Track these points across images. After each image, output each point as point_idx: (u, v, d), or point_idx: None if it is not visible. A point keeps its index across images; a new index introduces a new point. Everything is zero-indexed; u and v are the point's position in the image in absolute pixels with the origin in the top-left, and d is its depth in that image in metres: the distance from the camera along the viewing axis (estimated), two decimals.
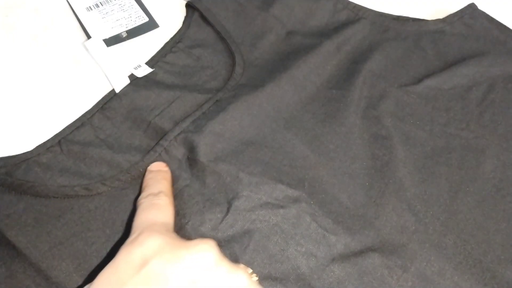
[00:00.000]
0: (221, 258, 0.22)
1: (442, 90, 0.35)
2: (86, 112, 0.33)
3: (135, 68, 0.36)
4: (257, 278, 0.24)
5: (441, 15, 0.40)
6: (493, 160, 0.32)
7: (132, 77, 0.35)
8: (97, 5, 0.40)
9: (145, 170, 0.30)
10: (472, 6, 0.39)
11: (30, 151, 0.31)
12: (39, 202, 0.29)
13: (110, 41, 0.38)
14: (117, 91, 0.34)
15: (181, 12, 0.41)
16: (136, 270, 0.20)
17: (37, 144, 0.32)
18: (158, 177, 0.28)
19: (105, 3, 0.41)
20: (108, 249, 0.28)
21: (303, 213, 0.29)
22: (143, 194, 0.27)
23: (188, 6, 0.40)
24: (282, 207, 0.29)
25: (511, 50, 0.37)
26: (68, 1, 0.41)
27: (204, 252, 0.21)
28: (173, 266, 0.20)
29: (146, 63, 0.36)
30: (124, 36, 0.39)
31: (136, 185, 0.30)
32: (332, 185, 0.30)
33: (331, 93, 0.34)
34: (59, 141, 0.32)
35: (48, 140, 0.32)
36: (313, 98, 0.34)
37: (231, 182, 0.30)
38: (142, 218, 0.25)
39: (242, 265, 0.23)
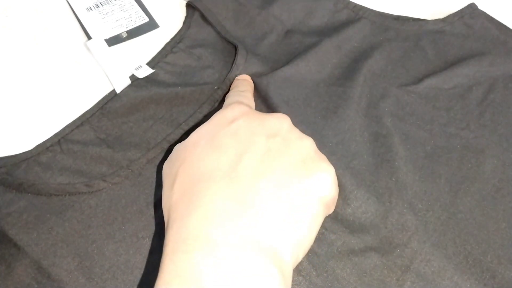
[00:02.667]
0: (294, 126, 0.27)
1: (442, 90, 0.35)
2: (86, 112, 0.34)
3: (136, 69, 0.36)
4: None
5: (441, 15, 0.40)
6: (493, 160, 0.32)
7: (133, 77, 0.35)
8: (97, 6, 0.40)
9: (144, 167, 0.31)
10: (472, 6, 0.39)
11: (30, 150, 0.31)
12: (40, 200, 0.29)
13: (111, 42, 0.38)
14: (118, 91, 0.35)
15: (182, 12, 0.41)
16: (227, 124, 0.25)
17: (37, 144, 0.32)
18: (244, 82, 0.34)
19: (105, 4, 0.41)
20: (109, 247, 0.28)
21: None
22: (231, 91, 0.33)
23: (188, 6, 0.40)
24: None
25: (511, 50, 0.37)
26: (68, 1, 0.41)
27: (282, 119, 0.26)
28: (257, 124, 0.25)
29: (147, 64, 0.36)
30: (124, 36, 0.39)
31: (137, 182, 0.30)
32: None
33: (331, 90, 0.34)
34: (59, 141, 0.32)
35: (48, 140, 0.32)
36: (313, 94, 0.34)
37: None
38: (232, 99, 0.30)
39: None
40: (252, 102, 0.32)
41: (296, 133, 0.26)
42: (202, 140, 0.25)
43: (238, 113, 0.26)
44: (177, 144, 0.26)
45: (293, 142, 0.25)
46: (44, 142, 0.32)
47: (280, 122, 0.26)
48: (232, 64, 0.35)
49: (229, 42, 0.37)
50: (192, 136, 0.26)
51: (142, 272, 0.27)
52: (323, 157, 0.26)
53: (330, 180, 0.25)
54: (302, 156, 0.25)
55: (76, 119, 0.33)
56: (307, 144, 0.25)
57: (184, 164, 0.24)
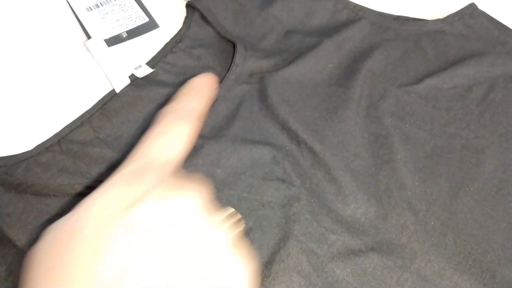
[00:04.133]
0: (205, 210, 0.19)
1: (442, 90, 0.35)
2: (86, 112, 0.33)
3: (136, 69, 0.36)
4: (243, 227, 0.22)
5: (441, 15, 0.40)
6: (493, 160, 0.32)
7: (132, 77, 0.35)
8: (97, 5, 0.40)
9: None
10: (472, 6, 0.39)
11: (30, 150, 0.31)
12: (39, 201, 0.29)
13: (110, 42, 0.38)
14: (117, 91, 0.35)
15: (181, 12, 0.41)
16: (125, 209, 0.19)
17: (37, 144, 0.32)
18: (196, 94, 0.23)
19: (105, 4, 0.41)
20: None
21: (304, 211, 0.29)
22: (167, 108, 0.23)
23: (188, 6, 0.40)
24: (283, 206, 0.29)
25: (511, 50, 0.37)
26: (68, 1, 0.41)
27: (189, 199, 0.19)
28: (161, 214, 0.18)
29: (147, 64, 0.36)
30: (124, 36, 0.39)
31: None
32: (333, 182, 0.30)
33: (331, 90, 0.34)
34: (59, 141, 0.32)
35: (48, 140, 0.32)
36: (313, 94, 0.34)
37: (231, 183, 0.30)
38: (146, 147, 0.21)
39: (230, 210, 0.21)
40: (180, 145, 0.22)
41: (205, 223, 0.19)
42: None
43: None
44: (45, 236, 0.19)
45: (204, 237, 0.19)
46: (44, 142, 0.32)
47: (187, 205, 0.19)
48: (231, 63, 0.35)
49: (229, 42, 0.37)
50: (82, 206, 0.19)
51: None
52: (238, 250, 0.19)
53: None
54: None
55: (76, 119, 0.33)
56: (219, 241, 0.19)
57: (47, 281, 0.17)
